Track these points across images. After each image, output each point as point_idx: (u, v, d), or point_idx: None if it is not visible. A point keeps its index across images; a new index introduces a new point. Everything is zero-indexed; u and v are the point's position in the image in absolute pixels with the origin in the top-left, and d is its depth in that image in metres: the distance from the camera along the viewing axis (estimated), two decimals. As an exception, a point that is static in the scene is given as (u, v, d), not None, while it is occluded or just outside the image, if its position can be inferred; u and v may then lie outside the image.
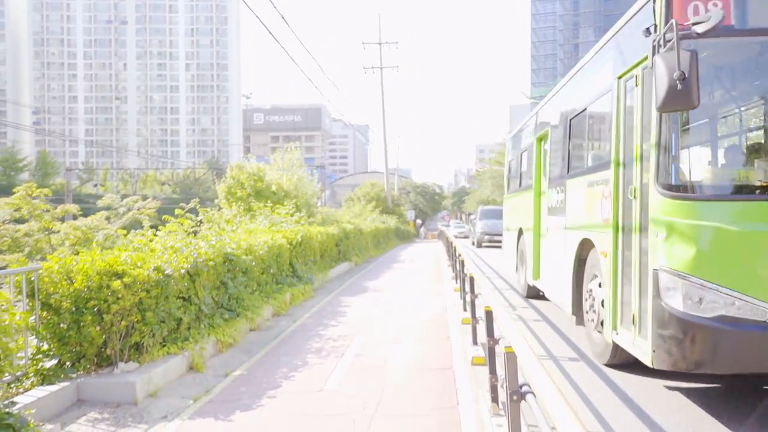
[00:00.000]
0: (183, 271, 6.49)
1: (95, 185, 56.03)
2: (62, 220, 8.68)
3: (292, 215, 13.79)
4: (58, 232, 8.22)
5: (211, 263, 7.23)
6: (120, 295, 5.42)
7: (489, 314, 4.31)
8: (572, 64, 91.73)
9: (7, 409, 4.12)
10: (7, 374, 5.00)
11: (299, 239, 12.33)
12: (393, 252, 26.77)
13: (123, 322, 5.55)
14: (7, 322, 4.17)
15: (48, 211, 8.26)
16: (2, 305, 4.10)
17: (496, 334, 4.27)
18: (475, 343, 6.40)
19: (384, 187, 44.47)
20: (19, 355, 5.16)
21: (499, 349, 3.67)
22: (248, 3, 15.69)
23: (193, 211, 13.46)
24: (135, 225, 8.37)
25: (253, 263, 9.08)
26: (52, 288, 5.37)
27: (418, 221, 66.73)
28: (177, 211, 7.71)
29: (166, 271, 6.09)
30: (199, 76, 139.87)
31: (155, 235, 7.36)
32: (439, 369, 5.97)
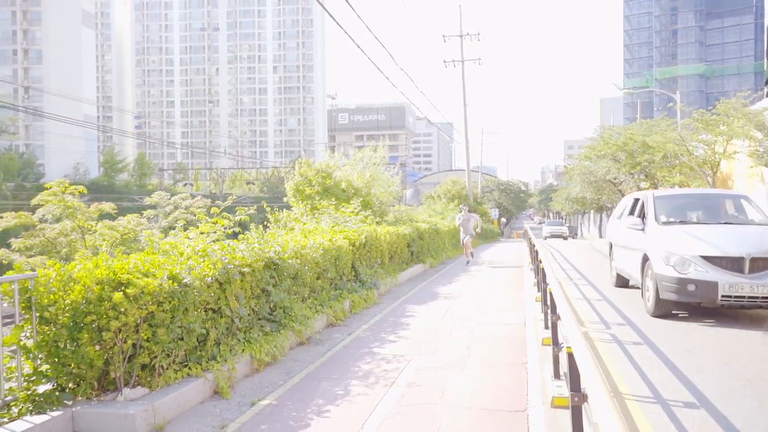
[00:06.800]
0: (209, 279, 5.61)
1: (185, 184, 58.14)
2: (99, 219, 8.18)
3: (357, 214, 12.80)
4: (95, 232, 7.68)
5: (246, 269, 6.32)
6: (122, 309, 4.58)
7: (571, 359, 3.03)
8: (670, 52, 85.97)
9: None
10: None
11: (363, 240, 11.32)
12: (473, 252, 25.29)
13: (128, 341, 4.71)
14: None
15: (79, 208, 7.73)
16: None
17: (583, 386, 2.99)
18: (557, 376, 5.08)
19: (466, 185, 42.88)
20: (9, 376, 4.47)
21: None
22: (330, 10, 14.90)
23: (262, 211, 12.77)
24: (188, 226, 7.59)
25: (305, 268, 8.15)
26: (46, 299, 4.60)
27: (503, 220, 64.47)
28: (213, 210, 6.86)
29: (185, 280, 5.20)
30: (286, 78, 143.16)
31: (188, 237, 6.56)
32: (511, 411, 4.71)
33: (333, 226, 11.90)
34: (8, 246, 10.17)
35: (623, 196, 43.64)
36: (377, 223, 14.59)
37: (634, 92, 63.45)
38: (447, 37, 39.50)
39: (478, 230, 19.08)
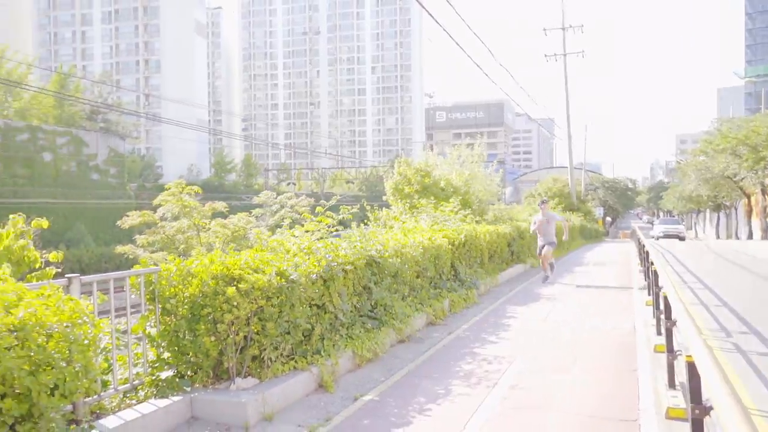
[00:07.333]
0: (314, 275, 5.80)
1: (288, 184, 60.57)
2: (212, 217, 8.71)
3: (456, 213, 12.73)
4: (209, 230, 8.18)
5: (349, 267, 6.47)
6: (235, 303, 4.83)
7: (692, 368, 2.84)
8: (801, 34, 78.21)
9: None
10: (128, 383, 4.71)
11: (463, 239, 11.23)
12: (576, 253, 24.38)
13: (240, 333, 4.96)
14: (88, 337, 3.68)
15: (195, 207, 8.27)
16: (78, 318, 3.62)
17: (705, 397, 2.80)
18: (671, 385, 4.79)
19: (568, 183, 41.36)
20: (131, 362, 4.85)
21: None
22: (428, 8, 14.89)
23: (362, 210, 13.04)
24: (293, 224, 7.90)
25: (405, 266, 8.21)
26: (167, 292, 4.96)
27: (608, 219, 61.59)
28: (318, 209, 7.09)
29: (291, 276, 5.41)
30: (384, 78, 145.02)
31: (294, 235, 6.81)
32: (621, 420, 4.49)
33: (432, 225, 11.90)
34: (133, 242, 11.20)
35: (744, 193, 40.27)
36: (476, 222, 14.42)
37: (758, 80, 58.37)
38: (548, 30, 38.31)
39: (564, 237, 14.37)
